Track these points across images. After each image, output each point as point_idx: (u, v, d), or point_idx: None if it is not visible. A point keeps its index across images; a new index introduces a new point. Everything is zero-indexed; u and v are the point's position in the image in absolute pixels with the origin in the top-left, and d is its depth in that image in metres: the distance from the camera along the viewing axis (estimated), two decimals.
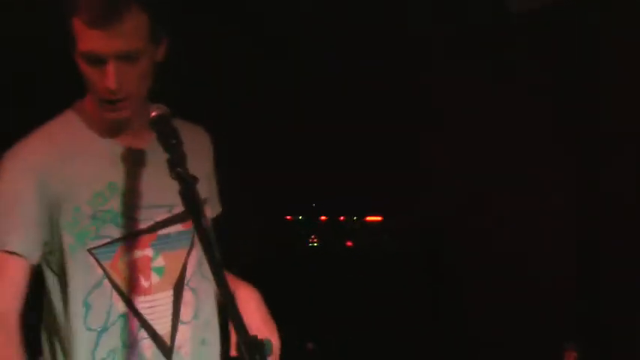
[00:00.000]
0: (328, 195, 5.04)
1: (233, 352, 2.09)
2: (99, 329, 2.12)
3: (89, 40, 1.99)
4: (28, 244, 2.09)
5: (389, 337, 4.70)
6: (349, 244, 5.04)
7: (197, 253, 2.24)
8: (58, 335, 2.15)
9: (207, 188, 2.27)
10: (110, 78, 2.01)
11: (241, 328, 1.67)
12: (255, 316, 2.21)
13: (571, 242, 4.50)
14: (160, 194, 2.15)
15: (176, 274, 2.21)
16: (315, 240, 5.08)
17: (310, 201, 5.19)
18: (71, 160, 2.13)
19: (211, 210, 2.35)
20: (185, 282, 2.22)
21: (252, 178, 5.04)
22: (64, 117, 2.21)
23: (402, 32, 4.75)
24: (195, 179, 1.82)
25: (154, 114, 1.93)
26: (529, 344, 4.17)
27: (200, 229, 1.79)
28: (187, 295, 2.22)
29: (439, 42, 4.75)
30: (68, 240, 2.10)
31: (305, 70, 4.93)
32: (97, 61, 2.01)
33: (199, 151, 2.28)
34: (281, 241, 5.11)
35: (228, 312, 1.70)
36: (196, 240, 2.16)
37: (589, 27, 4.33)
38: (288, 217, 5.22)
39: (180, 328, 2.21)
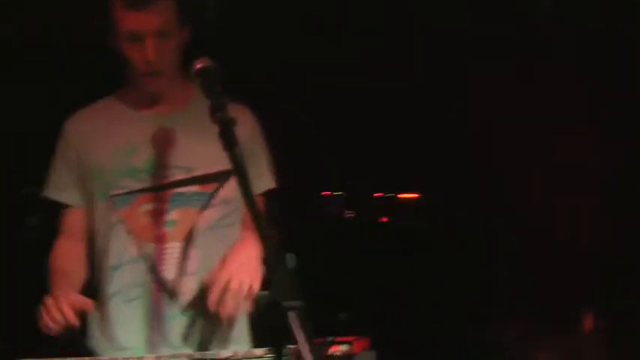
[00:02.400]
0: (365, 171, 5.16)
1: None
2: (113, 266, 2.42)
3: (128, 20, 2.33)
4: (72, 195, 2.51)
5: (418, 309, 4.81)
6: (384, 219, 5.16)
7: (212, 214, 2.44)
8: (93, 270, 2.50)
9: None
10: (148, 51, 2.34)
11: (269, 240, 1.82)
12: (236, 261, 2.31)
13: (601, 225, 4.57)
14: (181, 157, 2.42)
15: (187, 229, 2.41)
16: (351, 215, 5.21)
17: (347, 177, 5.32)
18: (103, 128, 2.48)
19: (262, 184, 2.51)
20: (194, 238, 2.42)
21: (291, 154, 5.18)
22: (106, 98, 2.58)
23: (441, 29, 4.84)
24: (233, 121, 1.98)
25: (198, 66, 2.09)
26: (551, 312, 4.26)
27: (236, 163, 1.94)
28: (193, 251, 2.41)
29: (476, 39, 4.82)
30: (95, 190, 2.46)
31: (346, 54, 5.06)
32: (136, 38, 2.34)
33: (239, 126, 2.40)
34: (318, 214, 5.25)
35: (258, 230, 1.84)
36: (212, 202, 2.44)
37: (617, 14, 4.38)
38: (326, 192, 5.35)
39: (184, 278, 2.40)
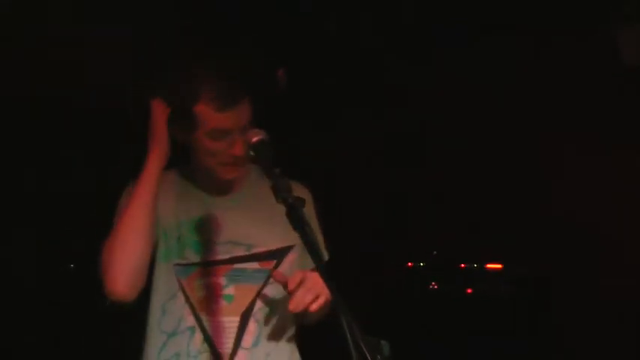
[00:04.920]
0: (449, 242, 5.14)
1: None
2: (169, 332, 2.48)
3: (218, 120, 2.41)
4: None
5: None
6: (469, 290, 5.11)
7: (270, 291, 2.52)
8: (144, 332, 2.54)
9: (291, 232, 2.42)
10: (239, 147, 2.42)
11: (358, 331, 1.80)
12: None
13: None
14: (241, 234, 2.52)
15: (245, 305, 2.49)
16: (436, 286, 5.17)
17: (432, 248, 5.30)
18: (171, 199, 2.54)
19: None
20: (252, 313, 2.49)
21: (375, 224, 5.20)
22: (170, 172, 2.59)
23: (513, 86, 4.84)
24: (301, 201, 2.04)
25: (255, 139, 2.21)
26: None
27: (308, 243, 2.00)
28: (252, 325, 2.49)
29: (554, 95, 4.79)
30: (158, 254, 2.50)
31: (421, 117, 5.08)
32: (223, 134, 2.43)
33: None
34: (402, 286, 5.22)
35: (340, 314, 1.83)
36: (271, 279, 2.50)
37: None
38: (410, 264, 5.33)
39: (240, 352, 2.47)
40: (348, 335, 1.81)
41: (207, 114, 2.40)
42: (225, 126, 2.41)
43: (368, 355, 1.76)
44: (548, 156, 4.81)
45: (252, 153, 2.22)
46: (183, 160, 2.59)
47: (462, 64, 4.74)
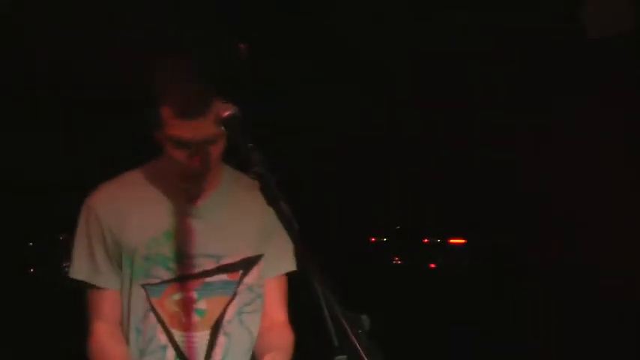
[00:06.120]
0: (413, 217, 5.15)
1: None
2: (142, 350, 2.44)
3: (177, 128, 2.24)
4: (110, 279, 2.45)
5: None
6: (432, 265, 5.13)
7: (238, 302, 2.47)
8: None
9: (258, 241, 2.45)
10: (197, 162, 2.27)
11: (336, 305, 1.75)
12: None
13: None
14: (210, 246, 2.42)
15: (215, 318, 2.44)
16: (399, 261, 5.18)
17: (395, 223, 5.30)
18: (133, 210, 2.43)
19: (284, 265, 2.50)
20: (221, 326, 2.45)
21: (338, 201, 5.20)
22: (135, 173, 2.49)
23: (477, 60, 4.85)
24: (273, 175, 1.95)
25: (226, 114, 2.05)
26: None
27: (284, 219, 1.91)
28: (221, 338, 2.45)
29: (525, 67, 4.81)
30: (127, 275, 2.44)
31: (389, 96, 5.07)
32: (183, 145, 2.26)
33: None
34: (365, 261, 5.22)
35: (317, 290, 1.78)
36: (238, 290, 2.46)
37: None
38: (373, 239, 5.33)
39: None
40: (326, 311, 1.76)
41: (169, 118, 2.23)
42: (184, 136, 2.24)
43: (349, 329, 1.72)
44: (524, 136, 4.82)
45: (222, 128, 2.07)
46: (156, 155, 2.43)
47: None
